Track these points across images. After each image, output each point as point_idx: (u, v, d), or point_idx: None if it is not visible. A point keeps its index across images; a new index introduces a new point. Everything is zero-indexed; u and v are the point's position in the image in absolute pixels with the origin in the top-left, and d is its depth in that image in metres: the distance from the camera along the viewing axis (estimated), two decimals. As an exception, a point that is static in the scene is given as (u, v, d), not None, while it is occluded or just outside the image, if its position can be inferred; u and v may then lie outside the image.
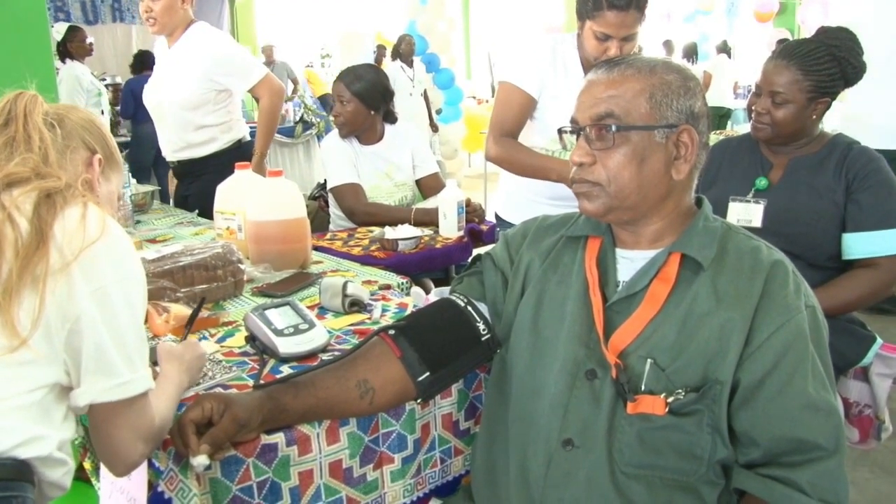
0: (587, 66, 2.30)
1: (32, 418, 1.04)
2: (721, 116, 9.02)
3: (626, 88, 1.22)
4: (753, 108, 2.04)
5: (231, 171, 2.52)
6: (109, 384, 1.07)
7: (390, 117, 3.16)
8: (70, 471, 1.11)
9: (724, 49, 9.75)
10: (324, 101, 9.25)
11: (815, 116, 2.00)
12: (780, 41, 9.11)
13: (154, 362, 1.40)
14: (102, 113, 6.41)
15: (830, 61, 1.94)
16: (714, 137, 4.18)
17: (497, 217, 2.74)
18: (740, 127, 8.16)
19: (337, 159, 3.04)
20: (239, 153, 3.23)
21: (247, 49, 9.67)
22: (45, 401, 1.06)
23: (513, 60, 2.38)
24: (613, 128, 1.21)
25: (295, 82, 9.74)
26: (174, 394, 1.27)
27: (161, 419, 1.17)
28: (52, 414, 1.07)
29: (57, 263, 1.03)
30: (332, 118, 3.12)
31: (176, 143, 3.30)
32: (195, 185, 3.31)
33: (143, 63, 6.99)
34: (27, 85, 1.24)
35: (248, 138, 3.42)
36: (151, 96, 3.31)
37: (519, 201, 2.58)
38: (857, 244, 1.94)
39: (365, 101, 2.99)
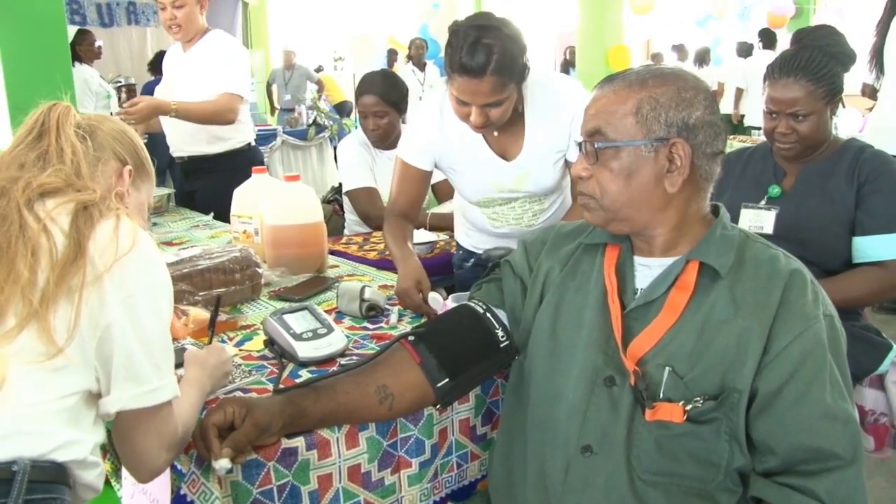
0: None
1: (67, 423, 1.06)
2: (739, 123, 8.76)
3: (616, 105, 1.23)
4: (776, 130, 1.99)
5: (240, 171, 2.56)
6: (138, 391, 1.08)
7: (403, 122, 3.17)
8: (102, 473, 1.13)
9: (745, 51, 9.51)
10: (340, 108, 9.21)
11: (833, 117, 2.01)
12: (763, 31, 8.77)
13: (178, 365, 1.42)
14: (112, 115, 6.47)
15: (830, 62, 1.94)
16: (737, 144, 4.16)
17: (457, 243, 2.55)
18: (755, 132, 8.07)
19: (353, 163, 3.05)
20: (249, 155, 3.33)
21: (259, 53, 9.64)
22: (76, 406, 1.07)
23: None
24: (597, 145, 1.24)
25: (320, 84, 9.76)
26: (196, 400, 1.28)
27: (183, 426, 1.18)
28: (82, 420, 1.09)
29: (90, 275, 1.05)
30: (353, 128, 3.13)
31: (185, 141, 3.38)
32: (202, 182, 3.40)
33: (158, 66, 7.04)
34: (61, 96, 1.25)
35: (254, 144, 3.55)
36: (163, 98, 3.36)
37: (461, 229, 2.46)
38: (867, 248, 1.93)
39: (398, 109, 3.01)
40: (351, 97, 9.87)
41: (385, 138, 3.03)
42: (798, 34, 2.09)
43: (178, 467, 1.20)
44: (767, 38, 8.94)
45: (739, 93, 8.63)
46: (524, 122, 2.07)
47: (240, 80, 3.28)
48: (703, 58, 10.18)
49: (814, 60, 1.94)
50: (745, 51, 9.42)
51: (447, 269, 2.56)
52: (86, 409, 1.09)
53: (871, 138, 2.61)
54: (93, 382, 1.09)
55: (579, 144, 1.28)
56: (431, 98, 2.16)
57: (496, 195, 2.19)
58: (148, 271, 1.12)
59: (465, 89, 1.86)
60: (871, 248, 1.93)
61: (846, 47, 2.01)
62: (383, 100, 2.97)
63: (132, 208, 1.29)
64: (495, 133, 2.08)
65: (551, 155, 2.10)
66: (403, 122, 3.16)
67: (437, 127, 2.10)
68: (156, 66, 7.32)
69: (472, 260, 2.42)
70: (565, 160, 2.11)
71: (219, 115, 3.24)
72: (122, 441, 1.13)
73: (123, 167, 1.29)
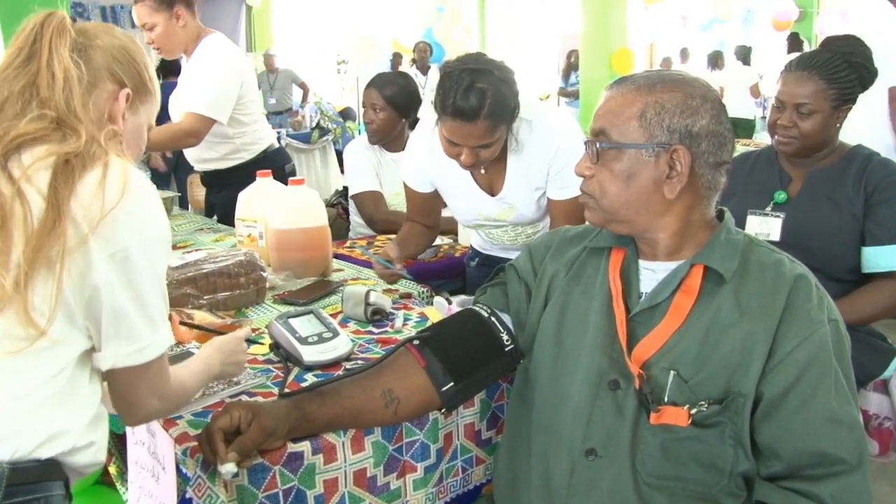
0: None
1: (55, 406, 1.02)
2: (739, 127, 8.74)
3: (622, 107, 1.24)
4: (778, 122, 2.00)
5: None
6: (129, 350, 1.05)
7: (415, 125, 3.15)
8: (101, 447, 1.10)
9: (743, 55, 9.53)
10: (344, 115, 9.20)
11: (838, 125, 2.00)
12: (791, 35, 8.84)
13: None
14: None
15: (848, 68, 1.94)
16: (740, 148, 4.15)
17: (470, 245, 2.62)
18: (759, 136, 8.06)
19: (359, 166, 3.06)
20: (265, 162, 3.14)
21: (262, 56, 9.52)
22: (70, 377, 1.04)
23: (404, 164, 2.31)
24: (598, 145, 1.24)
25: (304, 88, 9.72)
26: (199, 370, 1.28)
27: (180, 386, 1.18)
28: (78, 383, 1.05)
29: (73, 240, 0.97)
30: (357, 132, 3.09)
31: (200, 156, 3.24)
32: (222, 195, 3.24)
33: (168, 69, 7.03)
34: (56, 2, 1.17)
35: (276, 145, 3.37)
36: (174, 110, 3.27)
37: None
38: (877, 258, 1.93)
39: (397, 108, 2.98)
40: (352, 102, 9.88)
41: (380, 135, 3.02)
42: (827, 40, 2.08)
43: (185, 471, 1.21)
44: (795, 42, 8.98)
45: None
46: (507, 159, 2.10)
47: (209, 98, 2.96)
48: (715, 61, 10.14)
49: (832, 62, 1.94)
50: (742, 54, 9.43)
51: (451, 272, 2.57)
52: (80, 370, 1.06)
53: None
54: (86, 342, 1.05)
55: (585, 143, 1.29)
56: (424, 127, 2.20)
57: (484, 222, 2.26)
58: (139, 220, 1.04)
59: (457, 132, 1.88)
60: (883, 258, 1.93)
61: (870, 62, 1.99)
62: (381, 95, 2.96)
63: (128, 135, 1.19)
64: (482, 170, 2.11)
65: (532, 192, 2.13)
66: (413, 127, 3.14)
67: (427, 156, 2.14)
68: (163, 70, 7.30)
69: (478, 259, 2.45)
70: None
71: (176, 140, 3.03)
72: (113, 389, 1.11)
73: (121, 90, 1.16)
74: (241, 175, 3.05)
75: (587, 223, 1.41)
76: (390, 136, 3.03)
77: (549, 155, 2.03)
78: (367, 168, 3.04)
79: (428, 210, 2.32)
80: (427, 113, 2.14)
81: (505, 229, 2.29)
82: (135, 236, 1.03)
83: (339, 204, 3.41)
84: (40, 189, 0.98)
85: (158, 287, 1.09)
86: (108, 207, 0.99)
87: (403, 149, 3.04)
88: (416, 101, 3.09)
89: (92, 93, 1.12)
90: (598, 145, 1.24)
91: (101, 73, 1.14)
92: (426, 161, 2.16)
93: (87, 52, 1.13)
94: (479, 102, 1.80)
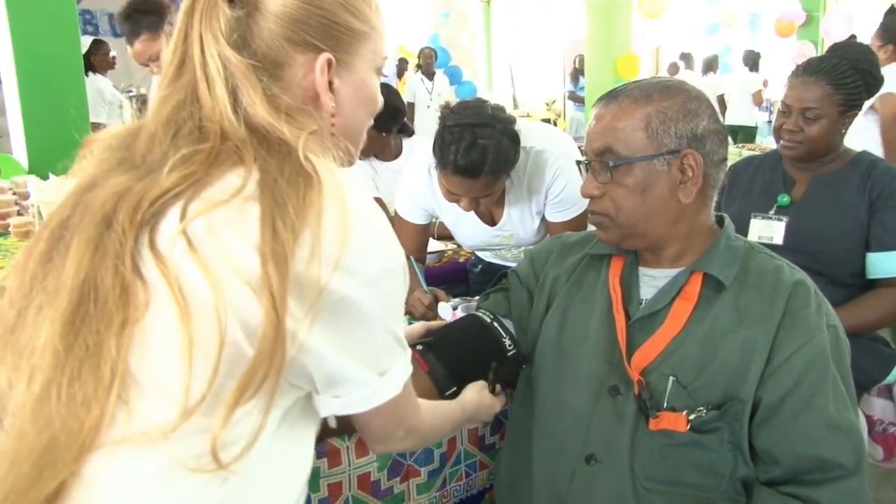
0: None
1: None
2: (740, 133, 8.67)
3: (624, 121, 1.23)
4: (784, 126, 2.01)
5: None
6: (350, 399, 0.82)
7: (406, 131, 3.14)
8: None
9: (751, 60, 9.46)
10: None
11: (843, 131, 2.01)
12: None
13: None
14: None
15: (855, 75, 1.95)
16: (739, 152, 4.14)
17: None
18: (764, 141, 8.03)
19: (355, 176, 3.05)
20: None
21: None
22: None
23: (400, 194, 2.27)
24: (611, 163, 1.23)
25: None
26: (456, 414, 1.19)
27: (432, 423, 1.05)
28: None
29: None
30: None
31: None
32: None
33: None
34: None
35: None
36: None
37: None
38: (882, 264, 1.93)
39: (373, 125, 2.93)
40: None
41: (360, 151, 2.98)
42: (834, 46, 2.10)
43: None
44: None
45: None
46: (504, 191, 2.10)
47: None
48: (710, 65, 10.12)
49: (839, 67, 1.95)
50: (751, 60, 9.39)
51: (455, 277, 2.58)
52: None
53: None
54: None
55: (587, 164, 1.29)
56: (421, 156, 2.18)
57: (487, 247, 2.29)
58: (368, 256, 0.78)
59: (457, 186, 1.88)
60: (888, 263, 1.93)
61: (876, 69, 2.00)
62: None
63: (347, 105, 0.92)
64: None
65: (532, 218, 2.14)
66: (406, 133, 3.13)
67: (426, 187, 2.14)
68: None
69: (481, 266, 2.47)
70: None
71: None
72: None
73: (317, 56, 0.84)
74: None
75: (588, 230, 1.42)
76: (372, 152, 2.99)
77: (548, 179, 2.03)
78: (363, 177, 3.04)
79: (422, 244, 2.32)
80: (424, 123, 2.14)
81: (510, 249, 2.31)
82: (362, 279, 0.77)
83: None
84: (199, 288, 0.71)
85: (392, 320, 0.84)
86: (333, 257, 0.74)
87: (396, 156, 3.04)
88: (395, 114, 2.98)
89: (266, 78, 0.81)
90: (610, 163, 1.23)
91: (278, 50, 0.83)
92: (425, 191, 2.16)
93: (250, 27, 0.81)
94: (480, 160, 1.80)
